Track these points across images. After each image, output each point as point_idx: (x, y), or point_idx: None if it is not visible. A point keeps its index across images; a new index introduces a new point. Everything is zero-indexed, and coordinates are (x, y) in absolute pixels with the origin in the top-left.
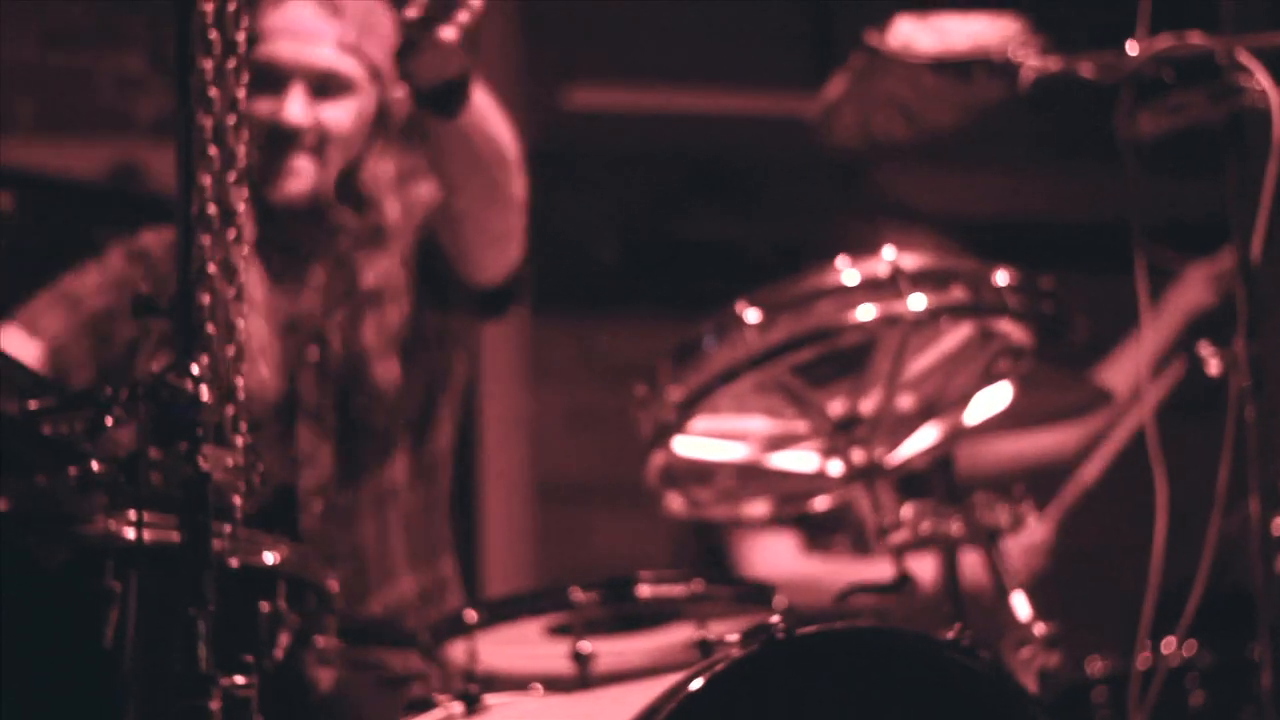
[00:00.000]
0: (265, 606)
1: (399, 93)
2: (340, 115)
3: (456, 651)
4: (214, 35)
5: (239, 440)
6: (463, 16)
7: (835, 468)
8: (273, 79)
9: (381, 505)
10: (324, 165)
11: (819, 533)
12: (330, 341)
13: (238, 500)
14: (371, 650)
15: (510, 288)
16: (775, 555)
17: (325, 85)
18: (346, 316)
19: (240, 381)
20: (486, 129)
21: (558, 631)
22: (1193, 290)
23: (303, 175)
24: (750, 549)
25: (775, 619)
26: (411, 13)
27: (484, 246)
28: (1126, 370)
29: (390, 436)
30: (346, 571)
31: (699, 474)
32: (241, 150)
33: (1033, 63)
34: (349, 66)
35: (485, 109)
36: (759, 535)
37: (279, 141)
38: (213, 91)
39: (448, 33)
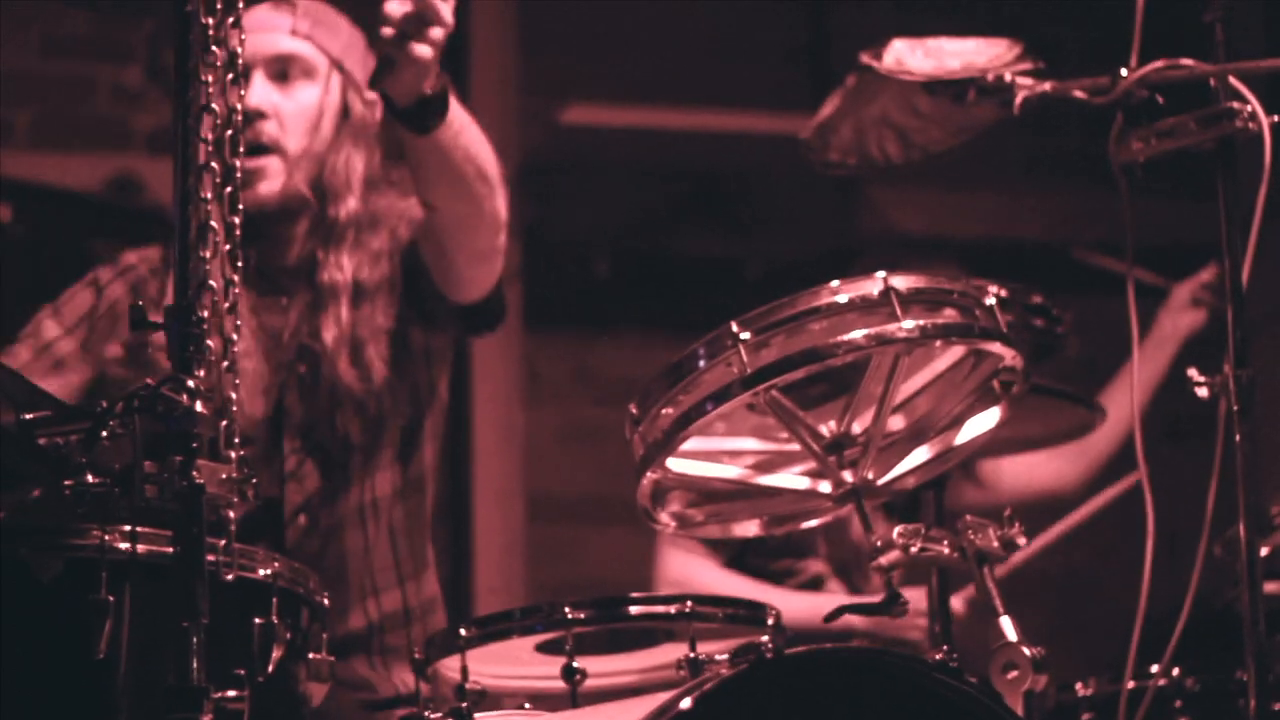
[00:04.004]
0: (258, 620)
1: (368, 97)
2: (300, 100)
3: (447, 668)
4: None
5: (232, 454)
6: (436, 34)
7: (826, 488)
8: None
9: (366, 519)
10: (289, 159)
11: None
12: (313, 354)
13: (231, 514)
14: (357, 666)
15: (491, 305)
16: (690, 569)
17: (283, 70)
18: (305, 313)
19: (233, 395)
20: (465, 145)
21: (548, 649)
22: (1182, 313)
23: (271, 175)
24: (668, 558)
25: (764, 639)
26: (387, 31)
27: (467, 265)
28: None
29: (374, 449)
30: (329, 586)
31: (690, 493)
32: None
33: (1025, 85)
34: (305, 50)
35: (463, 126)
36: (679, 548)
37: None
38: (214, 104)
39: (423, 50)
